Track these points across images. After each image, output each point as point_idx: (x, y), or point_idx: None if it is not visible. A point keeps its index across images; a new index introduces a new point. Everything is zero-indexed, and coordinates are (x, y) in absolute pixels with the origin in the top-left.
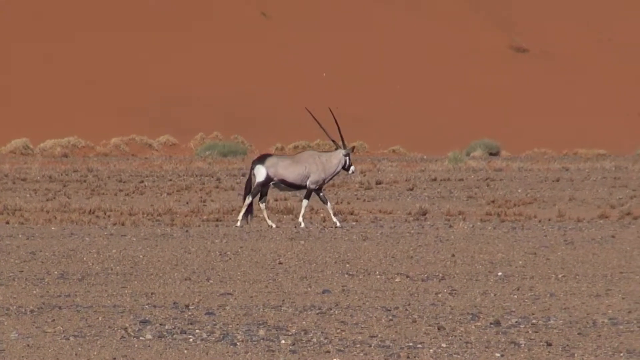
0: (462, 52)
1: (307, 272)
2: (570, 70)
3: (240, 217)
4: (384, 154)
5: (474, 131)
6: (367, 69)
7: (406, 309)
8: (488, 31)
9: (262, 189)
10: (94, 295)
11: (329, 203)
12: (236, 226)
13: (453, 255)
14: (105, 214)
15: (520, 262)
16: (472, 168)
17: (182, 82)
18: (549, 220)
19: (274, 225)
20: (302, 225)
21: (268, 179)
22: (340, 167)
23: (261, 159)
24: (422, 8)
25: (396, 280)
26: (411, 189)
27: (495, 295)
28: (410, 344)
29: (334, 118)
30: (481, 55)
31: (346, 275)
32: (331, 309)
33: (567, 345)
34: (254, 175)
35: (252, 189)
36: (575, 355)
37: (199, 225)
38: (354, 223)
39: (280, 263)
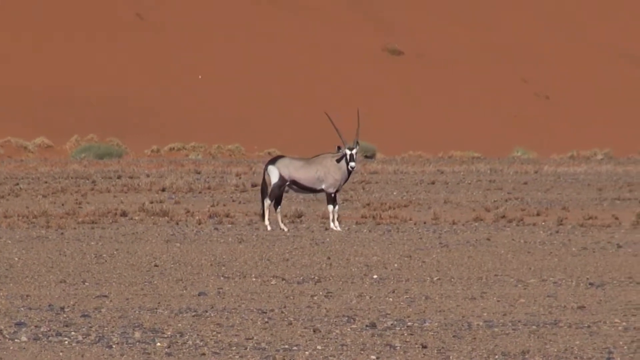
0: (338, 53)
1: (182, 275)
2: (444, 72)
3: (266, 221)
4: (259, 156)
5: (349, 134)
6: (243, 70)
7: (282, 312)
8: (363, 33)
9: (279, 191)
10: None
11: (335, 207)
12: (267, 230)
13: (329, 258)
14: None
15: (395, 265)
16: None
17: (57, 83)
18: (424, 223)
19: (285, 229)
20: (338, 229)
21: (282, 179)
22: (347, 173)
23: (273, 161)
24: (298, 8)
25: (272, 282)
26: (286, 192)
27: (370, 297)
28: (286, 346)
29: (332, 121)
30: (356, 57)
31: (222, 278)
32: (207, 312)
33: (443, 347)
34: (268, 176)
35: (269, 192)
36: (451, 357)
37: (75, 228)
38: (230, 225)
39: (156, 265)
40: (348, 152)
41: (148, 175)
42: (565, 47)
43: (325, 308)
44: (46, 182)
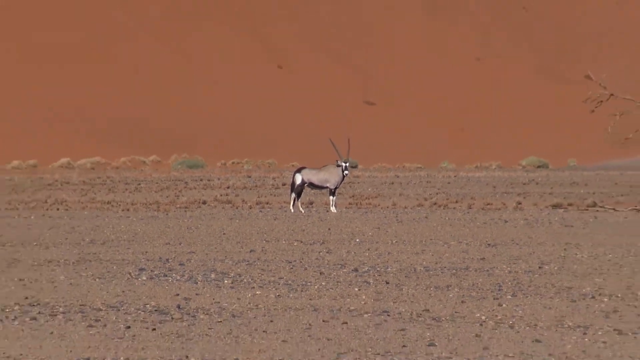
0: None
1: (240, 239)
2: (400, 110)
3: (292, 207)
4: (286, 167)
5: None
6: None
7: (300, 262)
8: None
9: (300, 189)
10: (111, 253)
11: (333, 197)
12: (291, 212)
13: (329, 229)
14: (117, 203)
15: (370, 233)
16: None
17: (164, 117)
18: (387, 207)
19: (302, 211)
20: (335, 211)
21: (302, 182)
22: (342, 176)
23: (298, 170)
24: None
25: (294, 244)
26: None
27: (354, 253)
28: (303, 283)
29: (334, 145)
30: (338, 108)
31: (264, 241)
32: (255, 262)
33: (398, 283)
34: (294, 180)
35: (295, 189)
36: (403, 289)
37: (174, 211)
38: (269, 209)
39: (224, 234)
40: (343, 164)
41: (219, 179)
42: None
43: (327, 260)
44: (157, 183)
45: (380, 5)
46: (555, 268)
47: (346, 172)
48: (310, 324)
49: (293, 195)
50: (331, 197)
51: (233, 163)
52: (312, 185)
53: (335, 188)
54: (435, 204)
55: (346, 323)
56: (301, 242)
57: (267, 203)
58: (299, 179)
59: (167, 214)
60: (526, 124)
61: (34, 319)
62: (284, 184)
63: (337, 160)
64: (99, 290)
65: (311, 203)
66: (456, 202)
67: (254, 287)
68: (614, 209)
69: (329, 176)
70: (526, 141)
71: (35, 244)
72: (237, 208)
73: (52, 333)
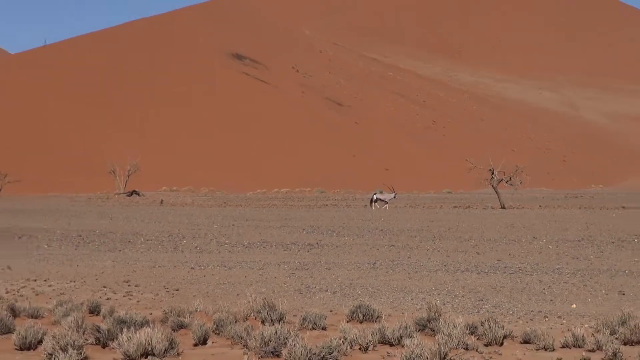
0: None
1: (340, 218)
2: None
3: (369, 206)
4: (363, 192)
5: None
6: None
7: (363, 227)
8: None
9: (373, 200)
10: (293, 223)
11: (386, 206)
12: (369, 210)
13: (375, 214)
14: (295, 205)
15: (388, 216)
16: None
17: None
18: (394, 208)
19: (373, 209)
20: (380, 208)
21: (373, 197)
22: (393, 196)
23: (374, 192)
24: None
25: (362, 220)
26: (375, 201)
27: (383, 223)
28: (363, 234)
29: (391, 187)
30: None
31: (349, 220)
32: (346, 227)
33: (398, 234)
34: (371, 196)
35: (371, 200)
36: (399, 237)
37: (315, 208)
38: (353, 208)
39: (334, 217)
40: (395, 192)
41: (332, 196)
42: None
43: (373, 226)
44: (309, 198)
45: None
46: (455, 229)
47: (396, 197)
48: (365, 250)
49: (370, 202)
50: (385, 205)
51: (338, 190)
52: (377, 199)
53: (387, 202)
54: (410, 206)
55: (378, 249)
56: (363, 220)
57: (351, 205)
58: (373, 195)
59: (312, 209)
60: (449, 173)
61: (264, 247)
62: (357, 197)
63: (392, 190)
64: (288, 236)
65: (372, 206)
66: (418, 205)
67: (345, 236)
68: (477, 208)
69: (385, 196)
70: (446, 181)
71: (264, 220)
72: (339, 207)
73: (270, 252)
